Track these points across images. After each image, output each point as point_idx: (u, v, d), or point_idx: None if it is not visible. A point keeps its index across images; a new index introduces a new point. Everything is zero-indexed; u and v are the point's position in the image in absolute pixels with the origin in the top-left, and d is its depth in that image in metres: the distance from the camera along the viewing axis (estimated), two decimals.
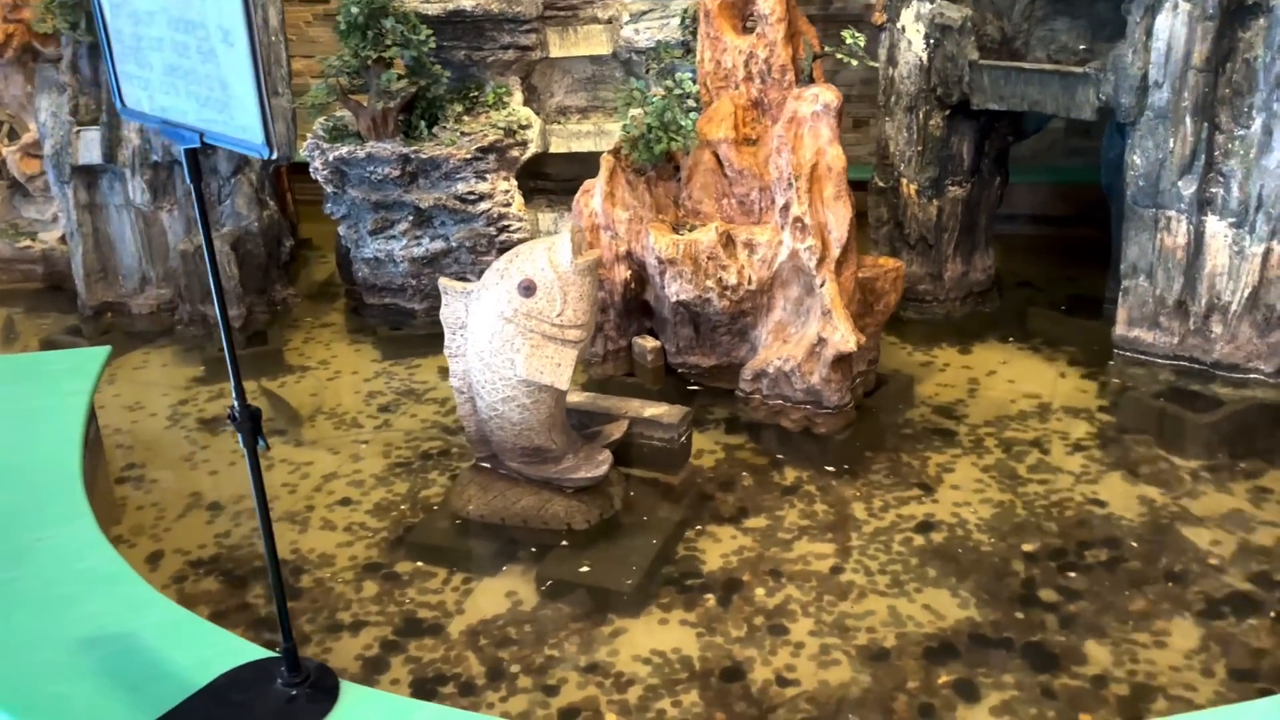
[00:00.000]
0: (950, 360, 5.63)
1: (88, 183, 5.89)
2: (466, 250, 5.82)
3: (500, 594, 3.96)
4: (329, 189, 5.83)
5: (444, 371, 5.85)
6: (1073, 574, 3.89)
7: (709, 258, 4.66)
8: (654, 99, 4.78)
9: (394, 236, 5.85)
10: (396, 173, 5.59)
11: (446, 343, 4.08)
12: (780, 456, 4.77)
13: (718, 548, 4.18)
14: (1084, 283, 6.35)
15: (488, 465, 4.23)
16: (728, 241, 4.68)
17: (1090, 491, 4.39)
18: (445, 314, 4.04)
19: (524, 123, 5.82)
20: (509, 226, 5.76)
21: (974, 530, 4.19)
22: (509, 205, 5.74)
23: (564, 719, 3.31)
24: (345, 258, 6.31)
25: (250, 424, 2.26)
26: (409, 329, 6.13)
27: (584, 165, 6.28)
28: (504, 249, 5.92)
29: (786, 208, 4.51)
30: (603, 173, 5.05)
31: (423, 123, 5.62)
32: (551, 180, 6.25)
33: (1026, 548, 4.06)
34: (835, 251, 4.51)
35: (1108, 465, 4.57)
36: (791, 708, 3.35)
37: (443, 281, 4.02)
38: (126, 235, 6.02)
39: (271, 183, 6.05)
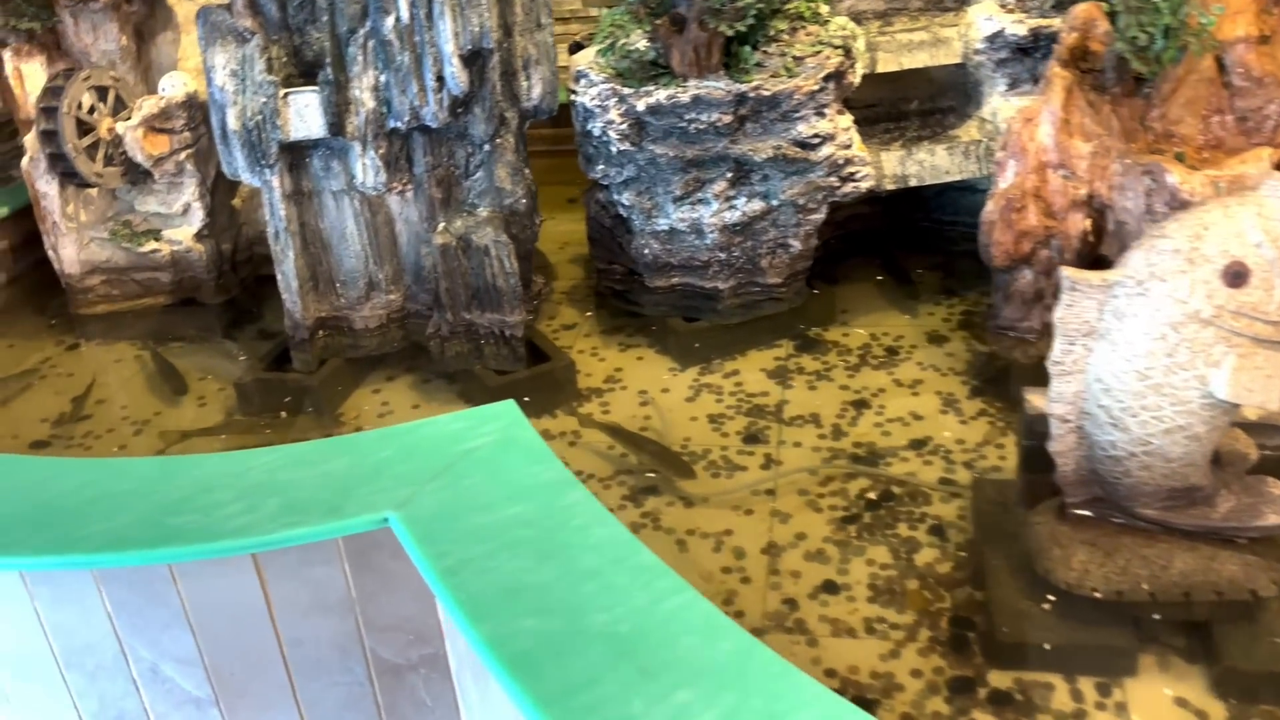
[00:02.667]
0: None
1: (290, 164, 4.37)
2: (792, 209, 4.56)
3: (1167, 705, 2.90)
4: (615, 147, 4.46)
5: (773, 374, 4.65)
6: None
7: None
8: None
9: (704, 200, 4.54)
10: (728, 118, 4.27)
11: (1056, 355, 2.91)
12: None
13: None
14: None
15: (1086, 513, 3.11)
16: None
17: None
18: (1065, 316, 2.86)
19: (852, 36, 4.54)
20: (855, 175, 4.51)
21: None
22: (850, 146, 4.48)
23: None
24: (608, 232, 4.97)
25: None
26: (711, 317, 4.85)
27: (893, 86, 5.06)
28: (837, 205, 4.69)
29: None
30: (1055, 93, 3.85)
31: (746, 49, 4.28)
32: (855, 108, 4.99)
33: None
34: None
35: None
36: None
37: (1068, 272, 2.83)
38: (348, 229, 4.54)
39: (526, 145, 4.63)
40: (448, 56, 4.10)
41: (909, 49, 4.73)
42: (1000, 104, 4.74)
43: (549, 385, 4.53)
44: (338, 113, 4.20)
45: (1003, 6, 4.65)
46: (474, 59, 4.18)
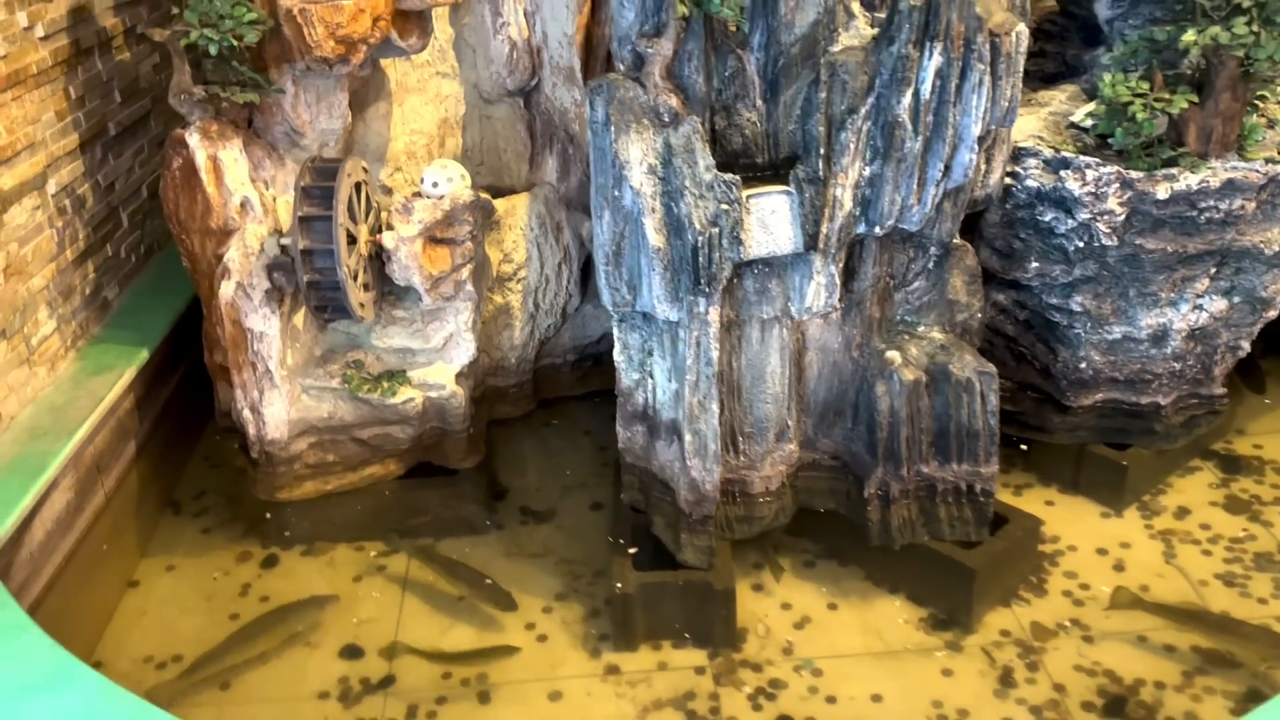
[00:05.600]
0: None
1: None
2: (1249, 306, 3.82)
3: None
4: (1076, 242, 3.56)
5: (1230, 507, 3.89)
6: None
7: None
8: None
9: (1174, 302, 3.72)
10: (1251, 204, 3.47)
11: None
12: None
13: None
14: None
15: None
16: None
17: None
18: None
19: None
20: None
21: None
22: None
23: None
24: (1007, 341, 4.04)
25: None
26: (1145, 439, 4.00)
27: None
28: None
29: None
30: None
31: (1254, 120, 3.51)
32: None
33: None
34: None
35: None
36: None
37: None
38: (770, 365, 3.37)
39: None
40: (968, 140, 3.09)
41: None
42: None
43: (1009, 556, 3.54)
44: (816, 219, 3.08)
45: None
46: (979, 140, 3.19)
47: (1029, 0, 3.26)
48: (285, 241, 3.54)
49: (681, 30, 3.04)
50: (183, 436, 4.44)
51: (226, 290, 3.58)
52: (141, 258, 4.74)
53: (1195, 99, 3.29)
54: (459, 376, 3.90)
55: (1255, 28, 3.15)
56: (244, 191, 3.59)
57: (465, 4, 4.00)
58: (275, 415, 3.78)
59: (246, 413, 3.78)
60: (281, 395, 3.76)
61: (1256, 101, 3.57)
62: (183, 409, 4.45)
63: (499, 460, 4.31)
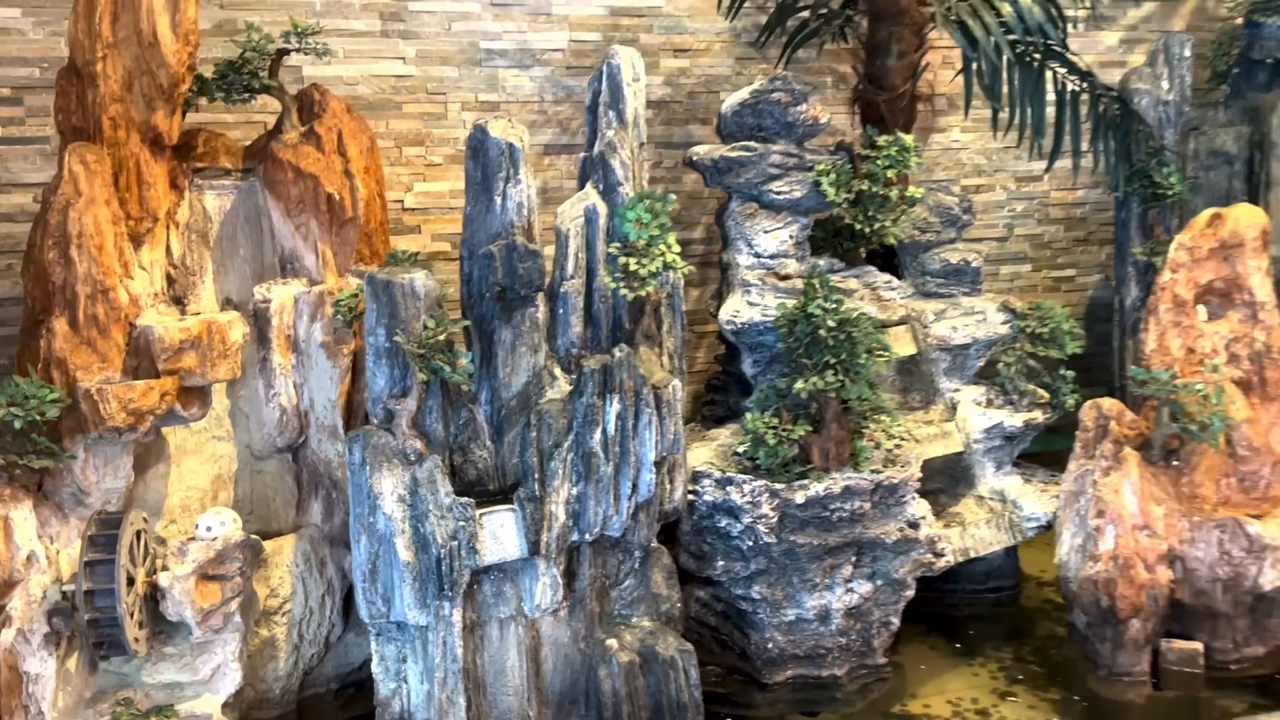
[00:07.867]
0: None
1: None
2: (891, 588, 4.85)
3: None
4: (756, 541, 4.51)
5: None
6: None
7: None
8: (1193, 384, 4.68)
9: (831, 586, 4.67)
10: (867, 505, 4.57)
11: None
12: None
13: None
14: None
15: None
16: None
17: None
18: None
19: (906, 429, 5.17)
20: (944, 550, 4.95)
21: None
22: (933, 525, 4.96)
23: None
24: (710, 631, 4.82)
25: None
26: (830, 707, 4.78)
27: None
28: (929, 583, 5.06)
29: None
30: (1131, 467, 4.71)
31: (862, 443, 4.71)
32: None
33: None
34: None
35: None
36: None
37: None
38: (509, 662, 3.95)
39: None
40: (648, 464, 4.04)
41: (928, 441, 5.46)
42: (998, 482, 5.55)
43: None
44: (537, 530, 3.87)
45: (988, 403, 5.58)
46: (658, 464, 4.16)
47: (684, 362, 4.42)
48: (68, 588, 3.93)
49: (423, 391, 3.94)
50: None
51: (6, 637, 3.87)
52: None
53: (811, 428, 4.48)
54: (225, 707, 4.23)
55: (841, 377, 4.42)
56: (30, 546, 4.00)
57: (241, 378, 4.77)
58: None
59: None
60: None
61: (862, 430, 4.81)
62: None
63: None
